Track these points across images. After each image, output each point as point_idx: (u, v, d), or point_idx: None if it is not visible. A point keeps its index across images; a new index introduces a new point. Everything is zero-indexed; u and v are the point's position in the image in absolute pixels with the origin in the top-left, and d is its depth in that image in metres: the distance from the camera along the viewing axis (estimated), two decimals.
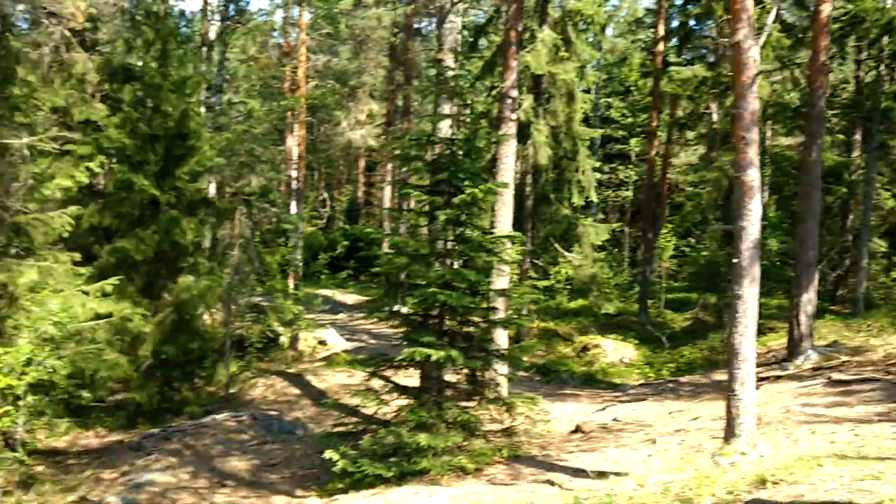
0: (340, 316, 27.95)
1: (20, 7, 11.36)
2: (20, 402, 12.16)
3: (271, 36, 29.68)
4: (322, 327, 23.10)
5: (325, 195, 30.52)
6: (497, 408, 11.59)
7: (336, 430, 12.25)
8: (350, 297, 31.78)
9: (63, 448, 14.29)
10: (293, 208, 23.91)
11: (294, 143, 25.04)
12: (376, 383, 12.27)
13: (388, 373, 12.02)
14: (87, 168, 13.16)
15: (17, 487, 12.40)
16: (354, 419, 12.72)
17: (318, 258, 26.51)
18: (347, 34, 27.01)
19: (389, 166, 34.15)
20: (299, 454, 13.51)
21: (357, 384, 17.44)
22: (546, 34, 21.23)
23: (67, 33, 12.90)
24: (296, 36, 28.75)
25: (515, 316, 17.96)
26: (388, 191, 33.65)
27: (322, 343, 23.13)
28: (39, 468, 13.10)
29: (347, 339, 23.70)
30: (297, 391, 17.67)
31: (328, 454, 10.67)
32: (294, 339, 22.13)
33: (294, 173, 24.62)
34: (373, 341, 23.86)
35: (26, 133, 13.18)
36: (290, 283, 22.34)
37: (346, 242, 34.46)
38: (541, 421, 12.15)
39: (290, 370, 19.40)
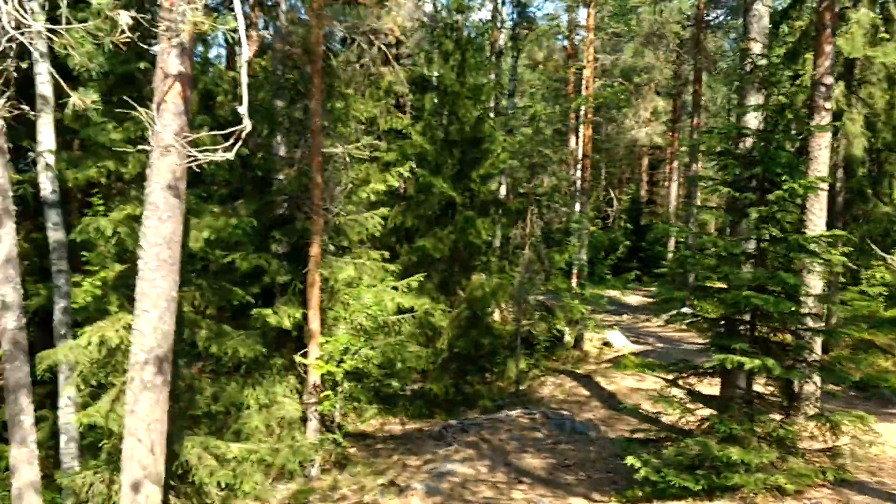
0: (624, 317, 27.45)
1: (344, 25, 12.43)
2: (338, 388, 13.33)
3: (556, 39, 30.05)
4: (607, 328, 22.81)
5: (612, 194, 30.10)
6: (818, 425, 10.52)
7: (635, 435, 11.89)
8: (633, 299, 31.09)
9: (371, 432, 15.44)
10: (577, 208, 23.90)
11: (579, 143, 25.01)
12: (674, 390, 11.73)
13: (692, 380, 11.42)
14: (399, 173, 14.09)
15: (333, 466, 13.61)
16: (653, 426, 12.29)
17: (605, 258, 26.18)
18: (637, 31, 26.41)
19: (675, 163, 32.92)
20: (593, 456, 13.34)
21: (648, 389, 16.99)
22: (862, 14, 19.09)
23: (384, 48, 13.92)
24: (581, 37, 28.83)
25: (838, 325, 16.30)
26: (674, 189, 32.45)
27: (607, 344, 22.85)
28: (352, 450, 14.25)
29: (633, 342, 23.19)
30: (585, 392, 17.57)
31: (629, 460, 10.36)
32: (579, 339, 22.10)
33: (578, 173, 24.61)
34: (660, 345, 23.05)
35: (343, 142, 14.41)
36: (574, 282, 22.35)
37: (627, 242, 33.80)
38: (870, 443, 10.84)
39: (577, 370, 19.36)
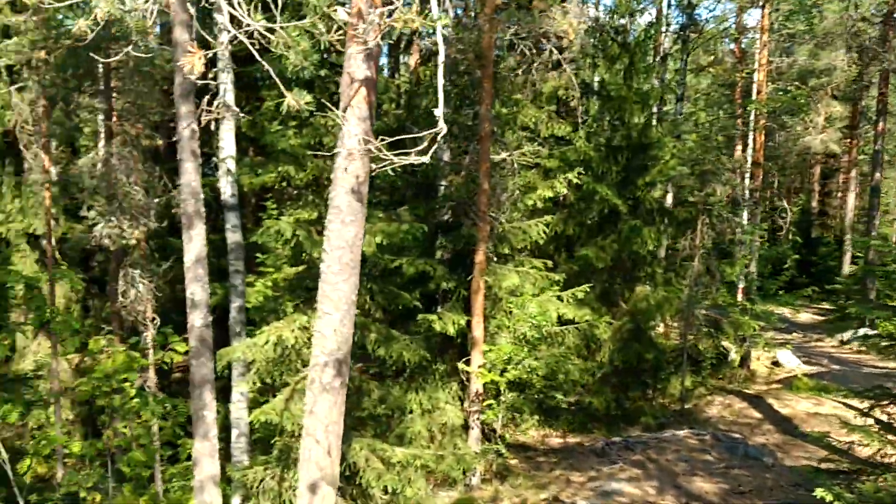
0: (794, 335, 25.70)
1: (516, 28, 12.23)
2: (501, 398, 13.10)
3: (723, 42, 28.64)
4: (777, 346, 21.36)
5: (784, 205, 28.29)
6: None
7: (822, 465, 10.92)
8: (804, 316, 29.12)
9: (531, 444, 15.12)
10: (745, 218, 22.56)
11: (748, 151, 23.63)
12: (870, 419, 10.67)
13: (891, 409, 10.35)
14: (567, 179, 13.72)
15: (493, 477, 13.39)
16: (842, 457, 11.26)
17: (774, 272, 24.63)
18: (817, 30, 24.68)
19: (853, 172, 30.55)
20: (770, 484, 12.42)
21: (828, 414, 15.72)
22: None
23: (555, 52, 13.63)
24: (748, 39, 27.31)
25: None
26: (850, 199, 30.13)
27: (776, 364, 21.39)
28: (512, 461, 13.98)
29: (804, 362, 21.59)
30: (756, 414, 16.46)
31: (819, 492, 9.48)
32: (745, 358, 20.81)
33: (747, 181, 23.24)
34: (835, 366, 21.34)
35: (509, 149, 14.20)
36: (739, 296, 21.08)
37: (796, 256, 31.68)
38: None
39: (745, 390, 18.22)
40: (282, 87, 6.69)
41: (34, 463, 9.38)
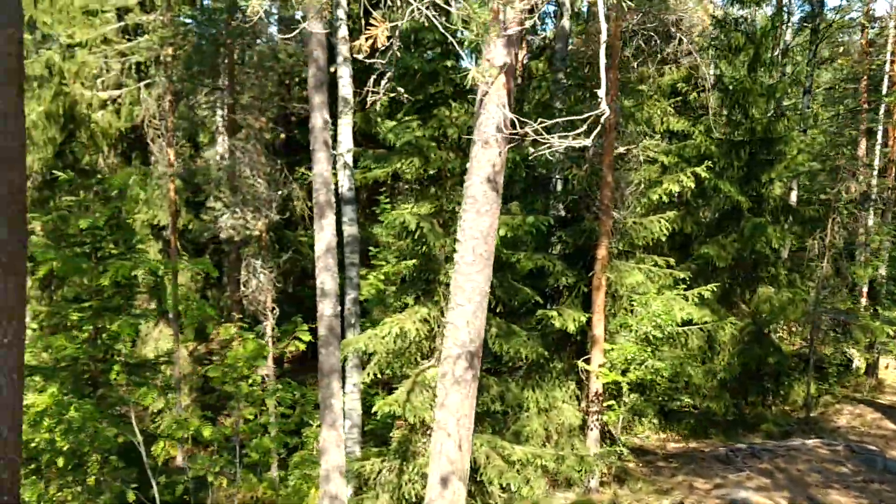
0: None
1: (647, 17, 11.82)
2: (622, 399, 12.70)
3: (848, 34, 27.15)
4: None
5: None
6: None
7: None
8: None
9: (650, 448, 14.63)
10: (871, 219, 21.30)
11: (876, 146, 22.28)
12: None
13: None
14: (694, 173, 13.17)
15: (612, 480, 12.99)
16: None
17: None
18: None
19: None
20: None
21: None
22: None
23: (685, 41, 13.13)
24: (875, 29, 25.79)
25: None
26: None
27: None
28: (630, 465, 13.54)
29: None
30: (892, 426, 15.47)
31: None
32: (872, 365, 19.65)
33: (874, 181, 21.92)
34: None
35: (631, 142, 13.77)
36: (863, 301, 19.90)
37: None
38: None
39: (878, 400, 17.17)
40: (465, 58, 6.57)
41: (168, 446, 9.63)
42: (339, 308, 9.58)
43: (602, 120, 5.20)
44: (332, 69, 13.98)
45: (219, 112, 17.51)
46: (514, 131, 5.50)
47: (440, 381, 8.26)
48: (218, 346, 22.92)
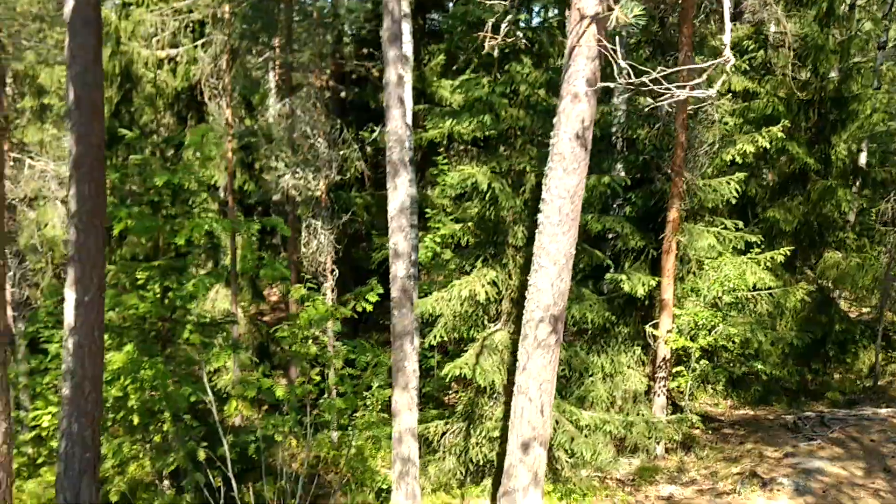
0: None
1: None
2: (691, 365, 12.42)
3: None
4: None
5: None
6: None
7: None
8: None
9: (716, 415, 14.36)
10: None
11: None
12: None
13: None
14: (768, 132, 12.66)
15: (678, 446, 12.76)
16: None
17: None
18: None
19: None
20: None
21: None
22: None
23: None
24: None
25: None
26: None
27: None
28: (696, 432, 13.29)
29: None
30: None
31: None
32: None
33: None
34: None
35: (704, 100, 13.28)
36: None
37: None
38: None
39: None
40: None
41: (240, 406, 9.60)
42: (412, 269, 9.39)
43: (727, 68, 4.86)
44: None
45: (273, 71, 17.29)
46: (630, 80, 5.15)
47: (521, 344, 8.09)
48: (268, 307, 23.05)
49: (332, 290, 14.19)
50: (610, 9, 6.92)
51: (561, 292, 7.88)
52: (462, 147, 16.04)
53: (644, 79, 5.03)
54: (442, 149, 16.11)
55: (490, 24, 8.06)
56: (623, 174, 14.47)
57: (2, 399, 6.68)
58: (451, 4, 19.36)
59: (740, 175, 13.43)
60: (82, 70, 7.02)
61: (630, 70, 5.06)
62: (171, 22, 15.86)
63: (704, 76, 4.83)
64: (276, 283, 20.52)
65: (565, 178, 7.66)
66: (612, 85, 6.51)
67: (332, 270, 14.01)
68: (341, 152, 13.60)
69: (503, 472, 8.32)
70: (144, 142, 12.37)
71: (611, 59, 5.11)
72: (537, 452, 8.08)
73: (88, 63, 7.06)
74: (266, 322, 20.40)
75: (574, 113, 7.55)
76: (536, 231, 7.94)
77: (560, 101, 7.65)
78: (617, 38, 7.21)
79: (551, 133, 7.79)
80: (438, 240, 15.59)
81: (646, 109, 12.32)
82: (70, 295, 7.35)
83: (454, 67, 16.36)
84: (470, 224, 12.04)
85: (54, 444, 9.86)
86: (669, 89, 4.88)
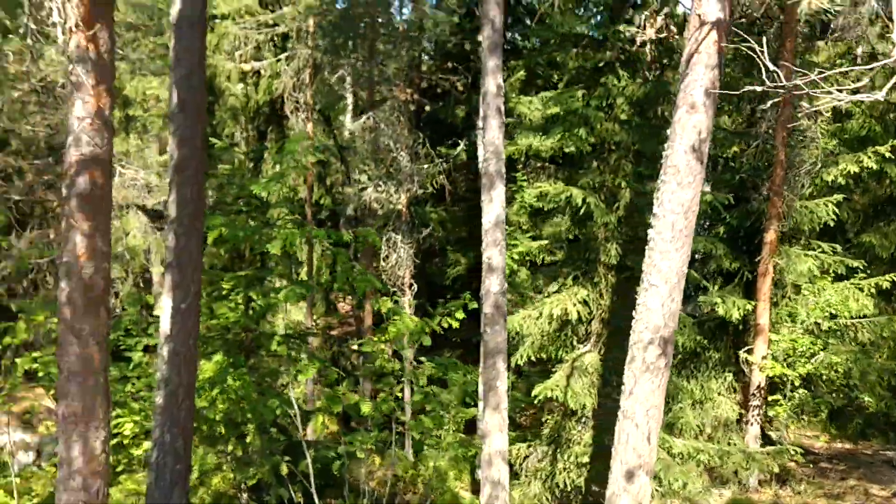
0: None
1: None
2: (788, 393, 11.81)
3: None
4: None
5: None
6: None
7: None
8: None
9: (812, 448, 13.64)
10: None
11: None
12: None
13: None
14: (875, 151, 12.02)
15: (772, 479, 12.12)
16: None
17: None
18: None
19: None
20: None
21: None
22: None
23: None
24: None
25: None
26: None
27: None
28: (791, 464, 12.62)
29: None
30: None
31: None
32: None
33: None
34: None
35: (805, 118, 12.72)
36: None
37: None
38: None
39: None
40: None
41: (325, 421, 9.38)
42: (505, 285, 9.08)
43: None
44: (478, 37, 13.46)
45: (350, 84, 17.25)
46: (779, 84, 4.77)
47: (628, 366, 7.67)
48: (336, 320, 22.94)
49: (410, 305, 13.95)
50: (731, 14, 6.54)
51: (672, 313, 7.47)
52: (539, 164, 15.73)
53: (798, 81, 4.67)
54: (520, 165, 15.83)
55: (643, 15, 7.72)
56: (711, 192, 13.99)
57: (102, 406, 6.56)
58: (529, 20, 19.16)
59: (838, 197, 12.82)
60: (188, 73, 6.91)
61: (778, 73, 4.69)
62: (254, 35, 15.95)
63: (866, 80, 4.41)
64: (346, 296, 20.40)
65: (679, 192, 7.26)
66: (743, 91, 6.12)
67: (411, 285, 13.78)
68: (424, 166, 13.39)
69: (605, 501, 7.88)
70: (232, 152, 12.34)
71: (758, 60, 4.75)
72: (642, 481, 7.64)
73: (194, 66, 6.96)
74: (334, 335, 20.28)
75: (690, 124, 7.16)
76: (646, 248, 7.55)
77: (675, 111, 7.28)
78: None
79: (665, 145, 7.41)
80: (516, 257, 15.29)
81: (742, 126, 11.83)
82: (167, 301, 7.21)
83: (537, 81, 16.08)
84: (550, 241, 11.72)
85: (135, 451, 9.77)
86: (830, 93, 4.50)
